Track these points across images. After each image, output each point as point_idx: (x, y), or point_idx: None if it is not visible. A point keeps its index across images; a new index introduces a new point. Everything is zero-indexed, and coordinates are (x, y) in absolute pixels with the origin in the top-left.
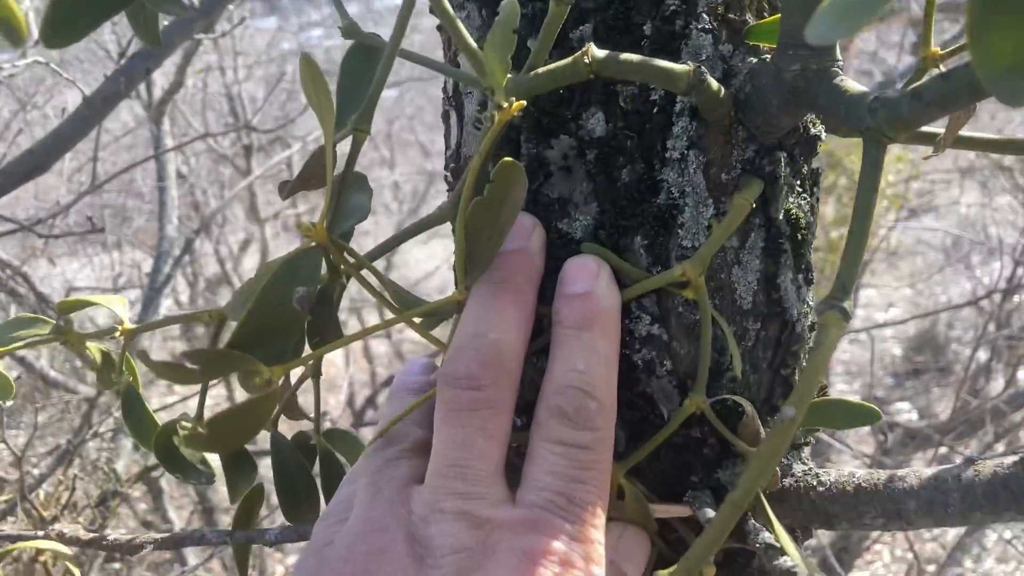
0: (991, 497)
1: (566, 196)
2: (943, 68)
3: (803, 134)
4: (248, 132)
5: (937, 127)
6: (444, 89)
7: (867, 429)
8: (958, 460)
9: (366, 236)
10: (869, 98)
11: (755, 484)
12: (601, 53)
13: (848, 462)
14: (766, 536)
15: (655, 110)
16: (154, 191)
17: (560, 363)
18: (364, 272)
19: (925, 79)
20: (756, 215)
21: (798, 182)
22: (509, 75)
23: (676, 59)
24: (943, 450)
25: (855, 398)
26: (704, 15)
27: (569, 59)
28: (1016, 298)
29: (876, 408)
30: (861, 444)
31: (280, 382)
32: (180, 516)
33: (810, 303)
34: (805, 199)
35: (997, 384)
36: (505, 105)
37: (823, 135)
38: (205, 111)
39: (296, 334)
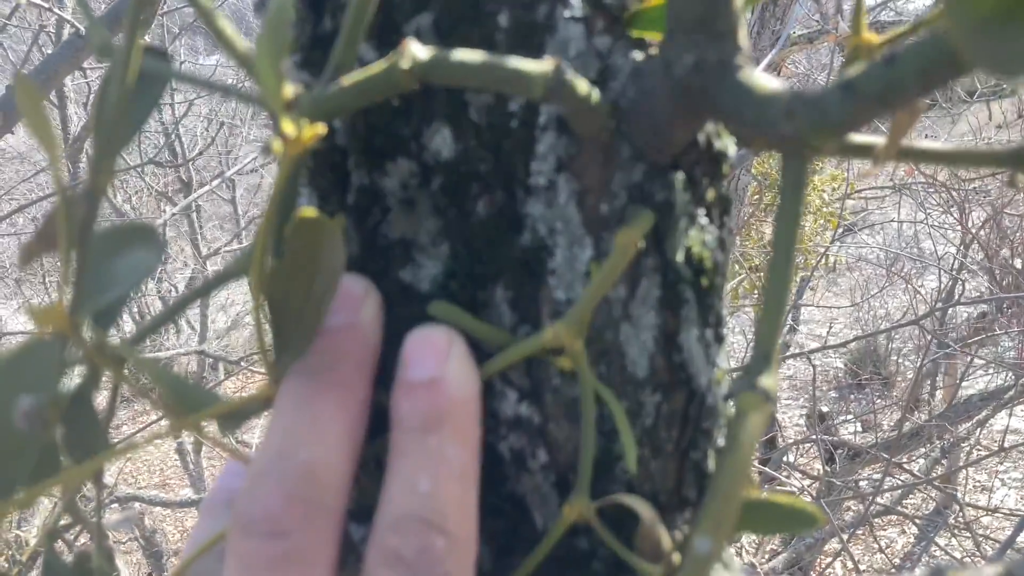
0: None
1: (409, 237)
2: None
3: (705, 149)
4: (187, 168)
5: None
6: None
7: (814, 449)
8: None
9: None
10: (786, 97)
11: None
12: (424, 53)
13: (797, 482)
14: None
15: (514, 124)
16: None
17: (398, 482)
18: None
19: (860, 68)
20: (648, 256)
21: (702, 211)
22: (295, 88)
23: (538, 56)
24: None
25: (800, 413)
26: (574, 0)
27: (382, 63)
28: (948, 311)
29: (816, 510)
30: (812, 462)
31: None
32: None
33: (723, 365)
34: (712, 233)
35: (939, 394)
36: (293, 133)
37: (730, 150)
38: (142, 146)
39: (27, 458)
